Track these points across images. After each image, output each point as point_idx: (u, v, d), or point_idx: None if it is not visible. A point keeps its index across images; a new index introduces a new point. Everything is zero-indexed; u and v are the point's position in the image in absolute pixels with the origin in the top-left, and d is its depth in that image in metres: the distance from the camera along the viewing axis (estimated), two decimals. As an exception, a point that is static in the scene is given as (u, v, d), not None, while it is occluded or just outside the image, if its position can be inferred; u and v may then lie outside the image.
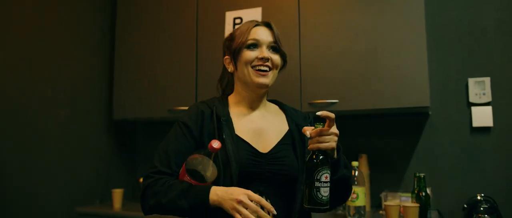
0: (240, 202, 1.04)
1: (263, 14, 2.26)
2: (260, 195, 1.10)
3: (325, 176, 1.06)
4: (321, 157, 1.07)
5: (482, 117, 2.14)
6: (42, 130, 2.30)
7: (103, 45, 2.73)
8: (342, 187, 1.22)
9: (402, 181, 2.26)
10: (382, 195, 2.13)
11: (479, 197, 1.98)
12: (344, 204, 2.11)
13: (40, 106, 2.29)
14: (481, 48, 2.19)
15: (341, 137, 1.13)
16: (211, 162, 1.12)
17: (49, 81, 2.35)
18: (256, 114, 1.30)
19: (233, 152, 1.16)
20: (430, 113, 2.24)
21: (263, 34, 1.26)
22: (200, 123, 1.22)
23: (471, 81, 2.18)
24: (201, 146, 1.19)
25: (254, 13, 2.27)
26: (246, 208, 1.04)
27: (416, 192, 1.89)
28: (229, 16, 2.32)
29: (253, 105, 1.30)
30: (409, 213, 1.79)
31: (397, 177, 2.28)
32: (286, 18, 2.21)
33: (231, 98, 1.32)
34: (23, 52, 2.23)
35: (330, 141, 1.08)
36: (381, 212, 2.10)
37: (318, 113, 1.07)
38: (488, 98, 2.14)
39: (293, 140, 1.27)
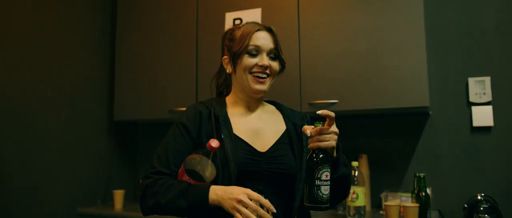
0: (240, 201, 1.04)
1: (263, 14, 2.26)
2: (259, 194, 1.11)
3: (326, 175, 1.07)
4: (321, 155, 1.08)
5: (483, 116, 2.14)
6: (42, 130, 2.30)
7: (103, 45, 2.73)
8: (341, 185, 1.23)
9: (402, 181, 2.26)
10: (383, 195, 2.13)
11: (479, 197, 1.98)
12: (344, 204, 2.11)
13: (40, 107, 2.29)
14: (481, 49, 2.19)
15: (341, 137, 1.14)
16: (209, 161, 1.12)
17: (49, 81, 2.35)
18: (254, 114, 1.31)
19: (231, 151, 1.16)
20: (430, 112, 2.24)
21: (264, 41, 1.25)
22: (198, 124, 1.23)
23: (471, 80, 2.18)
24: (199, 147, 1.19)
25: (253, 14, 2.27)
26: (246, 207, 1.04)
27: (416, 192, 1.89)
28: (229, 17, 2.33)
29: (250, 106, 1.32)
30: (408, 213, 1.78)
31: (397, 177, 2.27)
32: (285, 18, 2.21)
33: (229, 99, 1.33)
34: (23, 52, 2.23)
35: (330, 140, 1.09)
36: (381, 212, 2.10)
37: (319, 112, 1.08)
38: (488, 97, 2.14)
39: (290, 139, 1.28)
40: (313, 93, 2.12)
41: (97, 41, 2.69)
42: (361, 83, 2.04)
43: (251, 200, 1.05)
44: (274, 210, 1.06)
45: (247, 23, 1.31)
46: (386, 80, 2.00)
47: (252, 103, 1.31)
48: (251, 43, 1.24)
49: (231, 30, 1.33)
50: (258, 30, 1.27)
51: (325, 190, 1.06)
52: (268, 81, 1.26)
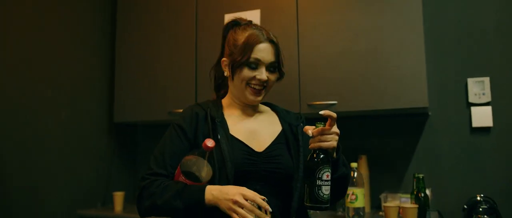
0: (235, 202, 1.04)
1: (262, 16, 2.25)
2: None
3: (326, 175, 1.08)
4: (322, 156, 1.09)
5: (482, 117, 2.14)
6: (42, 130, 2.30)
7: (103, 45, 2.73)
8: (340, 185, 1.24)
9: (402, 181, 2.26)
10: (382, 196, 2.12)
11: (478, 198, 1.98)
12: (343, 205, 2.11)
13: (40, 107, 2.30)
14: (480, 49, 2.19)
15: (340, 138, 1.14)
16: (205, 162, 1.12)
17: (49, 81, 2.35)
18: (250, 116, 1.32)
19: (228, 152, 1.16)
20: (429, 113, 2.23)
21: (265, 54, 1.24)
22: (194, 125, 1.23)
23: (471, 81, 2.17)
24: (196, 148, 1.19)
25: (252, 16, 2.26)
26: (242, 208, 1.04)
27: (415, 193, 1.89)
28: (228, 18, 2.31)
29: (246, 109, 1.32)
30: (407, 214, 1.78)
31: (397, 177, 2.27)
32: (285, 19, 2.21)
33: (225, 101, 1.34)
34: (23, 52, 2.23)
35: (332, 140, 1.10)
36: (380, 213, 2.10)
37: (321, 112, 1.09)
38: (487, 98, 2.13)
39: (287, 139, 1.28)
40: (312, 93, 2.12)
41: (97, 41, 2.69)
42: (360, 84, 2.04)
43: (246, 200, 1.05)
44: (270, 209, 1.06)
45: (251, 28, 1.28)
46: (385, 81, 2.00)
47: (247, 106, 1.32)
48: (252, 55, 1.22)
49: (235, 29, 1.30)
50: (261, 42, 1.24)
51: (326, 190, 1.07)
52: (264, 93, 1.27)
